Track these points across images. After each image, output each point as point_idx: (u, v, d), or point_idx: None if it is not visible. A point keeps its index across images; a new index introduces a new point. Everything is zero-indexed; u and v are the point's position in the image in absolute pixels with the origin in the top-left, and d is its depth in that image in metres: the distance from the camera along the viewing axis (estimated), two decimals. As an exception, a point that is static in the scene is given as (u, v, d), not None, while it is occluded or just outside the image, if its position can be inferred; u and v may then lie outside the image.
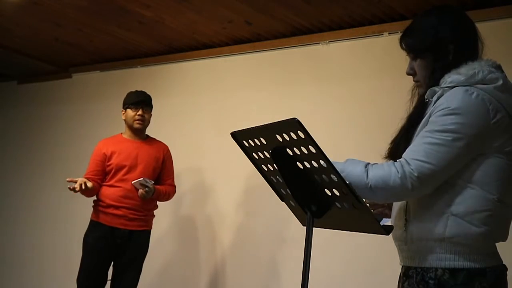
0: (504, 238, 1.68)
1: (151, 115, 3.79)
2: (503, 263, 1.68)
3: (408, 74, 1.81)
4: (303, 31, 4.10)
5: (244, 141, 1.73)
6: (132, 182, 3.58)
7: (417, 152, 1.59)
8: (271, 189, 1.82)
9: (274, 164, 1.64)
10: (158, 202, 3.81)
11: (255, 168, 1.80)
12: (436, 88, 1.68)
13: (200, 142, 4.52)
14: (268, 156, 1.65)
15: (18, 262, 5.38)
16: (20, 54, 5.15)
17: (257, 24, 4.05)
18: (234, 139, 1.76)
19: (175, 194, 3.88)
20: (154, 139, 3.87)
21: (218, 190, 4.37)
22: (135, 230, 3.64)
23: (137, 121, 3.71)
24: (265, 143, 1.65)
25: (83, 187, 3.48)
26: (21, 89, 5.83)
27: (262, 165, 1.75)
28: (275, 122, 1.55)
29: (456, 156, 1.58)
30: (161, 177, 3.78)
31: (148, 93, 3.82)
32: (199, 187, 4.48)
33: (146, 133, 3.84)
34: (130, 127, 3.75)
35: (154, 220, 3.83)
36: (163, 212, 4.29)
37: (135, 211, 3.63)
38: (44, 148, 5.45)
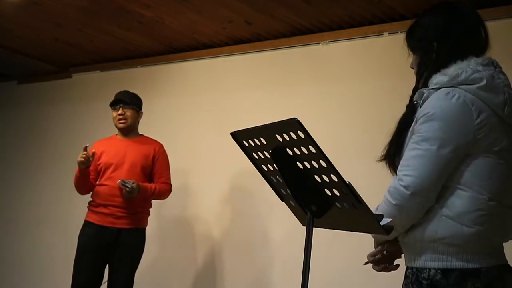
0: (504, 237, 1.67)
1: (138, 112, 3.77)
2: (506, 263, 1.67)
3: (411, 67, 1.87)
4: (303, 31, 4.10)
5: (244, 141, 1.73)
6: (117, 182, 3.56)
7: (406, 167, 1.62)
8: (271, 188, 1.82)
9: (274, 164, 1.64)
10: (153, 201, 3.79)
11: (255, 168, 1.80)
12: (424, 90, 1.70)
13: (200, 142, 4.51)
14: (268, 156, 1.65)
15: (18, 262, 5.38)
16: (20, 54, 5.15)
17: (257, 24, 4.05)
18: (234, 139, 1.76)
19: (173, 193, 3.84)
20: (148, 138, 3.85)
21: (218, 190, 4.36)
22: (124, 228, 3.60)
23: (119, 121, 3.72)
24: (265, 143, 1.65)
25: (90, 156, 3.49)
26: (21, 89, 5.83)
27: (262, 165, 1.75)
28: (275, 122, 1.55)
29: (444, 164, 1.59)
30: (153, 175, 3.75)
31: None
32: (199, 186, 4.47)
33: (142, 132, 3.85)
34: (116, 127, 3.77)
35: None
36: (161, 212, 4.29)
37: (123, 209, 3.60)
38: (44, 148, 5.45)
